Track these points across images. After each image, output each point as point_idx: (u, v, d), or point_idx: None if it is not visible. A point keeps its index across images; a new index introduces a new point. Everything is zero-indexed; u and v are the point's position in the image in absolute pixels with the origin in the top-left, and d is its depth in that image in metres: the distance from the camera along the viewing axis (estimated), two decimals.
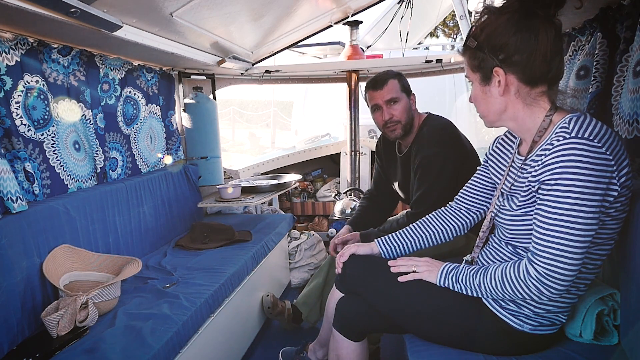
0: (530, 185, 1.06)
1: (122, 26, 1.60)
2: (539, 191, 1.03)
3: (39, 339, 1.37)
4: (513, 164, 1.21)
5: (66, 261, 1.63)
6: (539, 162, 1.03)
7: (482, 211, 1.40)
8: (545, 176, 1.00)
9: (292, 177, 2.84)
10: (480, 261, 1.28)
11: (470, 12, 2.53)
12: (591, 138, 0.96)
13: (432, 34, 11.61)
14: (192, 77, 2.85)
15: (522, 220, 1.11)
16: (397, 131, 1.86)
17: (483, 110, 1.16)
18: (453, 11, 3.41)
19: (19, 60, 1.57)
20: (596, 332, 1.19)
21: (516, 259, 1.14)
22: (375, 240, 1.46)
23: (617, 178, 0.97)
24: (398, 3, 3.37)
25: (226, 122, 14.10)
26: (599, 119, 1.04)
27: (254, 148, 11.87)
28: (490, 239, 1.30)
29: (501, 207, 1.21)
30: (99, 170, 2.01)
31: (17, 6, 1.20)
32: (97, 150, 2.00)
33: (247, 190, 2.54)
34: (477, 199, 1.39)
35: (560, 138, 0.98)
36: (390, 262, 1.32)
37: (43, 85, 1.68)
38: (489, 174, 1.35)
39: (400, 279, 1.26)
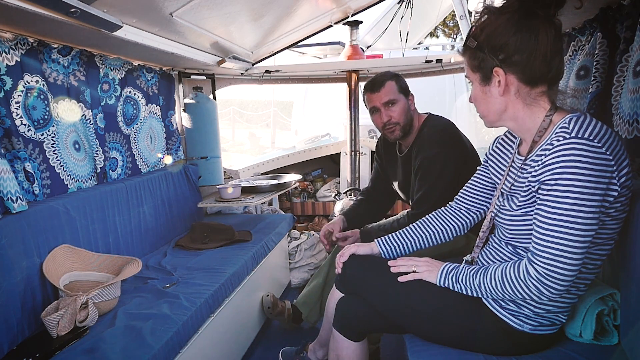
0: (530, 185, 1.06)
1: (122, 26, 1.60)
2: (539, 191, 1.03)
3: (39, 339, 1.37)
4: (513, 164, 1.21)
5: (66, 261, 1.63)
6: (539, 162, 1.03)
7: (482, 211, 1.40)
8: (545, 176, 1.00)
9: (292, 177, 2.84)
10: (480, 261, 1.28)
11: (470, 12, 2.53)
12: (591, 138, 0.96)
13: (432, 34, 11.61)
14: (192, 77, 2.85)
15: (522, 220, 1.11)
16: (396, 132, 1.86)
17: (483, 110, 1.16)
18: (453, 11, 3.41)
19: (19, 60, 1.57)
20: (596, 332, 1.19)
21: (516, 259, 1.15)
22: (375, 240, 1.46)
23: (617, 178, 0.97)
24: (398, 3, 3.37)
25: (226, 122, 14.11)
26: (599, 119, 1.04)
27: (254, 148, 11.87)
28: (490, 239, 1.30)
29: (501, 207, 1.21)
30: (99, 170, 2.01)
31: (17, 6, 1.20)
32: (97, 150, 2.00)
33: (247, 190, 2.54)
34: (477, 199, 1.39)
35: (560, 138, 0.98)
36: (390, 262, 1.32)
37: (43, 85, 1.68)
38: (489, 174, 1.35)
39: (400, 279, 1.26)
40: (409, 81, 1.94)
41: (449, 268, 1.21)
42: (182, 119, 2.80)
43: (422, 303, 1.23)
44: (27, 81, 1.60)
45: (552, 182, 0.98)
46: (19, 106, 1.56)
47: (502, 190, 1.24)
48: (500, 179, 1.28)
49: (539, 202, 1.03)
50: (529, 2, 1.02)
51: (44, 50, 1.70)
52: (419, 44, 7.00)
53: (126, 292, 1.69)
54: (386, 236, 1.46)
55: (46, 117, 1.70)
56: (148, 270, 1.96)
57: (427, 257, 1.29)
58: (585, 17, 1.52)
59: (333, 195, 3.43)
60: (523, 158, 1.16)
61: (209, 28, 2.11)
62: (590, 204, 0.95)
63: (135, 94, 2.32)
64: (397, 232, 1.46)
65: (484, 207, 1.39)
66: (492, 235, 1.30)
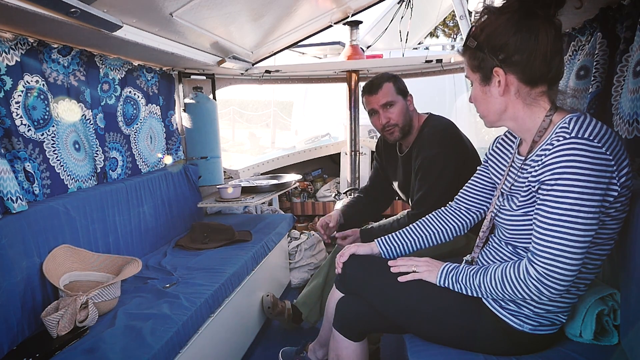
0: (530, 185, 1.06)
1: (122, 26, 1.60)
2: (539, 191, 1.03)
3: (39, 339, 1.37)
4: (513, 164, 1.21)
5: (66, 261, 1.63)
6: (539, 162, 1.03)
7: (482, 211, 1.40)
8: (545, 176, 1.00)
9: (292, 177, 2.84)
10: (480, 261, 1.28)
11: (470, 12, 2.53)
12: (591, 138, 0.96)
13: (432, 34, 11.62)
14: (192, 77, 2.85)
15: (522, 220, 1.11)
16: (395, 134, 1.86)
17: (483, 110, 1.16)
18: (453, 11, 3.41)
19: (19, 60, 1.57)
20: (596, 332, 1.19)
21: (516, 259, 1.14)
22: (375, 240, 1.46)
23: (617, 178, 0.97)
24: (398, 3, 3.37)
25: (226, 122, 14.11)
26: (599, 119, 1.04)
27: (254, 148, 11.87)
28: (490, 239, 1.30)
29: (501, 207, 1.21)
30: (99, 170, 2.01)
31: (17, 6, 1.20)
32: (97, 150, 2.00)
33: (247, 190, 2.54)
34: (477, 199, 1.39)
35: (560, 138, 0.98)
36: (390, 262, 1.32)
37: (43, 85, 1.68)
38: (489, 174, 1.35)
39: (400, 279, 1.26)
40: (409, 81, 1.94)
41: (449, 268, 1.21)
42: (182, 119, 2.79)
43: (422, 303, 1.23)
44: (27, 81, 1.60)
45: (552, 182, 0.98)
46: (19, 106, 1.56)
47: (502, 190, 1.24)
48: (500, 179, 1.28)
49: (539, 202, 1.03)
50: (529, 2, 1.02)
51: (44, 50, 1.70)
52: (419, 44, 7.00)
53: (126, 292, 1.69)
54: (386, 236, 1.46)
55: (46, 117, 1.70)
56: (148, 270, 1.96)
57: (427, 257, 1.29)
58: (585, 17, 1.52)
59: (333, 195, 3.43)
60: (523, 158, 1.16)
61: (209, 28, 2.11)
62: (590, 204, 0.95)
63: (135, 94, 2.32)
64: (397, 232, 1.46)
65: (484, 207, 1.39)
66: (492, 235, 1.30)
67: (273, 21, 2.43)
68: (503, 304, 1.16)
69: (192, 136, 2.77)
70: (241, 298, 1.98)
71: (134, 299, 1.64)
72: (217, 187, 2.55)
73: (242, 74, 3.04)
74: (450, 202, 1.47)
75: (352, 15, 2.82)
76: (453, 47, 6.78)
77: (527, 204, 1.09)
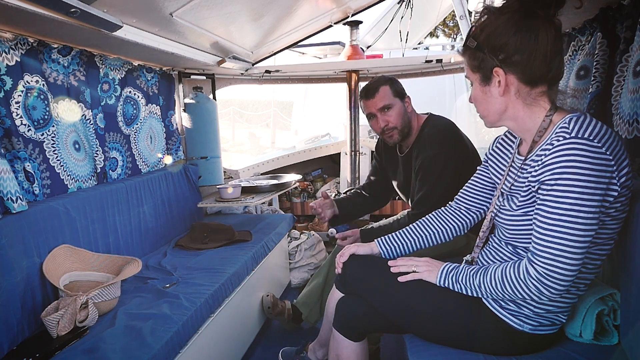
0: (530, 185, 1.06)
1: (122, 26, 1.60)
2: (539, 191, 1.03)
3: (39, 339, 1.37)
4: (513, 164, 1.21)
5: (66, 261, 1.63)
6: (539, 162, 1.03)
7: (482, 211, 1.40)
8: (545, 176, 1.00)
9: (292, 177, 2.84)
10: (480, 261, 1.28)
11: (470, 12, 2.53)
12: (591, 138, 0.96)
13: (432, 34, 11.62)
14: (192, 77, 2.86)
15: (522, 220, 1.11)
16: (394, 137, 1.87)
17: (483, 110, 1.16)
18: (453, 11, 3.41)
19: (19, 60, 1.57)
20: (596, 332, 1.19)
21: (516, 259, 1.14)
22: (375, 240, 1.46)
23: (617, 178, 0.97)
24: (398, 3, 3.37)
25: (226, 122, 14.11)
26: (599, 119, 1.04)
27: (254, 148, 11.88)
28: (490, 239, 1.30)
29: (501, 207, 1.21)
30: (99, 170, 2.01)
31: (17, 6, 1.20)
32: (97, 150, 2.00)
33: (247, 190, 2.54)
34: (477, 199, 1.39)
35: (560, 138, 0.98)
36: (390, 262, 1.32)
37: (43, 85, 1.68)
38: (488, 174, 1.35)
39: (400, 279, 1.26)
40: (409, 81, 1.94)
41: (449, 268, 1.21)
42: (182, 119, 2.80)
43: (422, 303, 1.23)
44: (27, 81, 1.60)
45: (552, 182, 0.98)
46: (19, 106, 1.56)
47: (502, 190, 1.24)
48: (500, 179, 1.28)
49: (539, 202, 1.03)
50: (529, 2, 1.02)
51: (44, 50, 1.70)
52: (419, 44, 7.01)
53: (126, 292, 1.69)
54: (386, 236, 1.46)
55: (46, 117, 1.70)
56: (148, 270, 1.96)
57: (427, 257, 1.29)
58: (585, 17, 1.52)
59: (333, 195, 3.42)
60: (523, 158, 1.16)
61: (209, 28, 2.11)
62: (590, 204, 0.95)
63: (135, 94, 2.32)
64: (397, 232, 1.46)
65: (484, 207, 1.39)
66: (492, 235, 1.30)
67: (273, 21, 2.43)
68: (503, 304, 1.16)
69: (192, 136, 2.77)
70: (241, 298, 1.98)
71: (134, 299, 1.64)
72: (217, 187, 2.55)
73: (242, 74, 3.04)
74: (450, 202, 1.47)
75: (352, 15, 2.82)
76: (453, 47, 6.79)
77: (527, 204, 1.09)
